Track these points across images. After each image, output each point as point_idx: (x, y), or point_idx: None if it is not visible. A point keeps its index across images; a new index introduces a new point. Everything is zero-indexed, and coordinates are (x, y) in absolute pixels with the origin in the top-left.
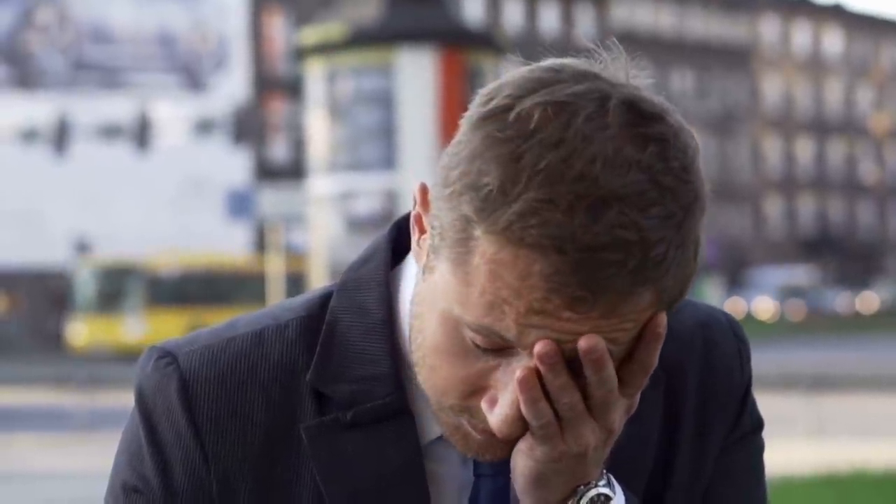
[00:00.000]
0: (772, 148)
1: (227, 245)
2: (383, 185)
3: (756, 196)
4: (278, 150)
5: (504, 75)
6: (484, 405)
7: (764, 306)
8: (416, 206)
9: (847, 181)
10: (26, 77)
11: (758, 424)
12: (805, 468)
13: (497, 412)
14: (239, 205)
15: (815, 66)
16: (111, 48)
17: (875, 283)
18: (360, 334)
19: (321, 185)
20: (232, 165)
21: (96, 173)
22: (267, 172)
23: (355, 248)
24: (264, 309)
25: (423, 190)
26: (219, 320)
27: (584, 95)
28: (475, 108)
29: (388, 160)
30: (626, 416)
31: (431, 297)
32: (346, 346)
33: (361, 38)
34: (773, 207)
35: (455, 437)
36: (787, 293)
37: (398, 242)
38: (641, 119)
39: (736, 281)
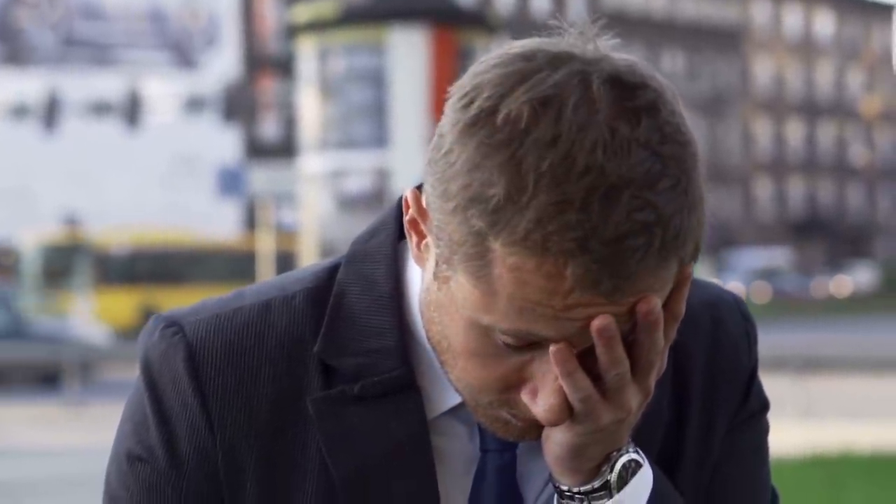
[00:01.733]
0: (762, 130)
1: (217, 223)
2: (374, 163)
3: (746, 178)
4: (269, 129)
5: (475, 68)
6: (525, 398)
7: (737, 288)
8: (410, 212)
9: (837, 164)
10: (16, 53)
11: (763, 405)
12: (793, 449)
13: (541, 403)
14: (229, 182)
15: (806, 48)
16: (102, 25)
17: (851, 267)
18: (368, 307)
19: (312, 163)
20: (222, 143)
21: (86, 150)
22: (257, 150)
23: (346, 226)
24: (271, 279)
25: (416, 197)
26: (172, 301)
27: (567, 83)
28: (457, 113)
29: (380, 138)
30: (656, 378)
31: (452, 307)
32: (354, 318)
33: (353, 17)
34: (763, 189)
35: (495, 426)
36: (755, 276)
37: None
38: (627, 92)
39: (723, 263)
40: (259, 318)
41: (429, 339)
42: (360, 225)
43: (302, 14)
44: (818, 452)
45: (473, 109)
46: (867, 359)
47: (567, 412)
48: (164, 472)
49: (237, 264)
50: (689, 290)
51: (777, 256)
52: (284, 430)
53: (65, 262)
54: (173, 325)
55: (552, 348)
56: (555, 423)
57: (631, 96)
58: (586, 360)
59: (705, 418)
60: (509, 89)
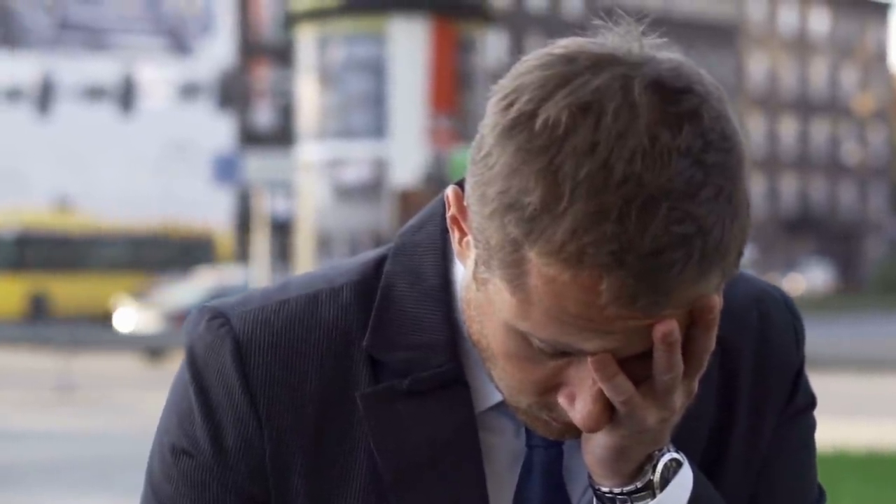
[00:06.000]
0: (755, 126)
1: (209, 210)
2: (372, 153)
3: None
4: (263, 116)
5: (517, 68)
6: (563, 402)
7: None
8: (451, 209)
9: (830, 161)
10: (10, 35)
11: (811, 401)
12: None
13: (579, 408)
14: (224, 170)
15: (801, 45)
16: (96, 9)
17: (803, 266)
18: (416, 301)
19: (309, 151)
20: (216, 130)
21: (79, 134)
22: (250, 138)
23: (343, 216)
24: (316, 271)
25: (458, 195)
26: (66, 289)
27: (607, 88)
28: (497, 115)
29: (378, 128)
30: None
31: (490, 309)
32: (402, 312)
33: (354, 6)
34: (756, 186)
35: (536, 425)
36: None
37: None
38: (670, 97)
39: None
40: (306, 312)
41: (469, 336)
42: (356, 215)
43: (302, 2)
44: None
45: (513, 112)
46: (861, 358)
47: (605, 418)
48: (209, 466)
49: (140, 250)
50: (735, 285)
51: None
52: (331, 425)
53: None
54: (219, 316)
55: (592, 357)
56: (593, 430)
57: (673, 102)
58: (624, 365)
59: (753, 415)
60: (549, 93)
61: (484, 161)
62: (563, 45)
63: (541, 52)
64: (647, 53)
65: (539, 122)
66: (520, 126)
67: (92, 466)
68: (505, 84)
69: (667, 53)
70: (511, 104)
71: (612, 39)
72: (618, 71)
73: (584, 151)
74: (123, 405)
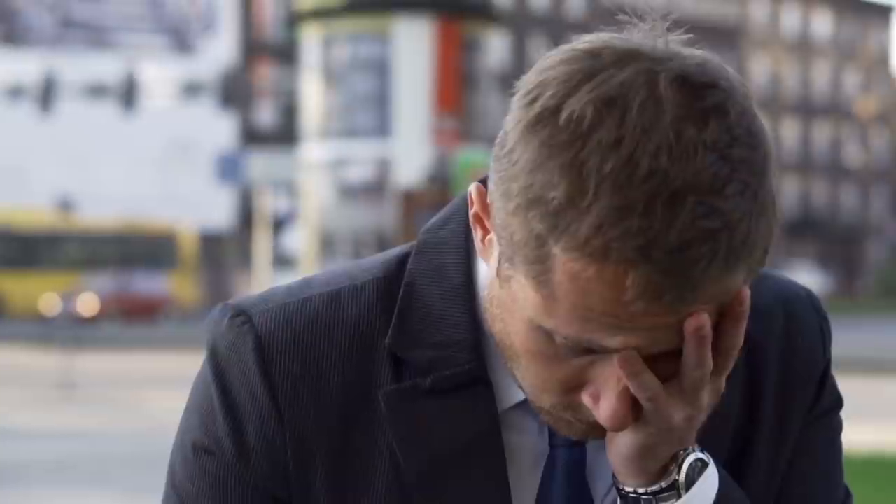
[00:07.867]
0: None
1: (211, 209)
2: (376, 152)
3: None
4: (265, 116)
5: (541, 63)
6: (587, 400)
7: None
8: (474, 206)
9: (832, 164)
10: (12, 33)
11: (837, 402)
12: None
13: (604, 407)
14: (227, 169)
15: (803, 47)
16: (99, 7)
17: (795, 271)
18: (440, 298)
19: (313, 150)
20: (218, 129)
21: (82, 132)
22: (252, 137)
23: (346, 216)
24: (338, 268)
25: (481, 191)
26: (21, 288)
27: (632, 82)
28: (520, 110)
29: (382, 128)
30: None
31: (513, 306)
32: (425, 310)
33: (359, 5)
34: None
35: (559, 425)
36: None
37: None
38: (695, 92)
39: None
40: (328, 309)
41: (492, 334)
42: (360, 215)
43: (306, 1)
44: None
45: (537, 108)
46: (863, 361)
47: (630, 417)
48: (231, 465)
49: (101, 249)
50: (762, 285)
51: None
52: (354, 424)
53: None
54: (241, 314)
55: (619, 357)
56: (618, 429)
57: (699, 97)
58: (650, 363)
59: (778, 416)
60: (573, 88)
61: (507, 157)
62: (588, 40)
63: (565, 48)
64: (672, 49)
65: (563, 116)
66: (544, 121)
67: (93, 465)
68: (529, 79)
69: (692, 50)
70: (535, 99)
71: (638, 36)
72: (643, 66)
73: (610, 146)
74: (125, 404)
